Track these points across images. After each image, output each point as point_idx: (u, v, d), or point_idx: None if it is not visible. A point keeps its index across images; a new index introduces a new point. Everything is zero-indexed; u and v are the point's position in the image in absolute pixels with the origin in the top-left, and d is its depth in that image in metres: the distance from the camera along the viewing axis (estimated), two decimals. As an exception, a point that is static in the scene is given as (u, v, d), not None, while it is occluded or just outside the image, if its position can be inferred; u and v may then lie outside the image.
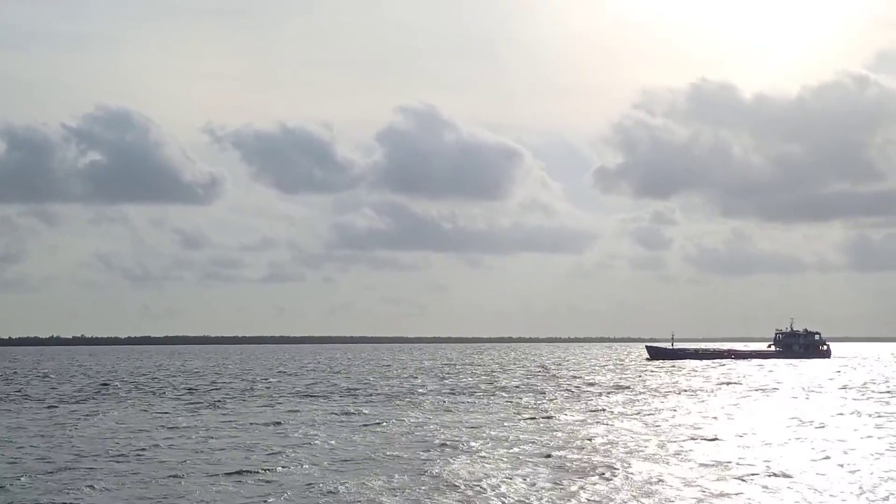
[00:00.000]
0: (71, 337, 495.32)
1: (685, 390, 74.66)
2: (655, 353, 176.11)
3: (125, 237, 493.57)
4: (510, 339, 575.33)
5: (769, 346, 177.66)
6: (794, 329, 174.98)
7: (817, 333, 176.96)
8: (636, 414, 52.46)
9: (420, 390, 74.65)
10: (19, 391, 78.26)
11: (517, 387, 79.29)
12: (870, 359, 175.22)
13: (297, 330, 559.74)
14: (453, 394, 70.13)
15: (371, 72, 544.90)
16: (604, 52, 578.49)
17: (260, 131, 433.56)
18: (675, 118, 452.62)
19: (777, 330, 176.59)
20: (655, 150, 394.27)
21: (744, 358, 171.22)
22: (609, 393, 70.79)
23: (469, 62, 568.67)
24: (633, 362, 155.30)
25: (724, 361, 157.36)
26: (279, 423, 47.51)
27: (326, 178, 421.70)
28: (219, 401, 64.16)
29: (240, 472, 31.19)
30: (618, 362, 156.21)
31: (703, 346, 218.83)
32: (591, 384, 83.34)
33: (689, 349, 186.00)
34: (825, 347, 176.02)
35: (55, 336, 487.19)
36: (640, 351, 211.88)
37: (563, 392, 71.74)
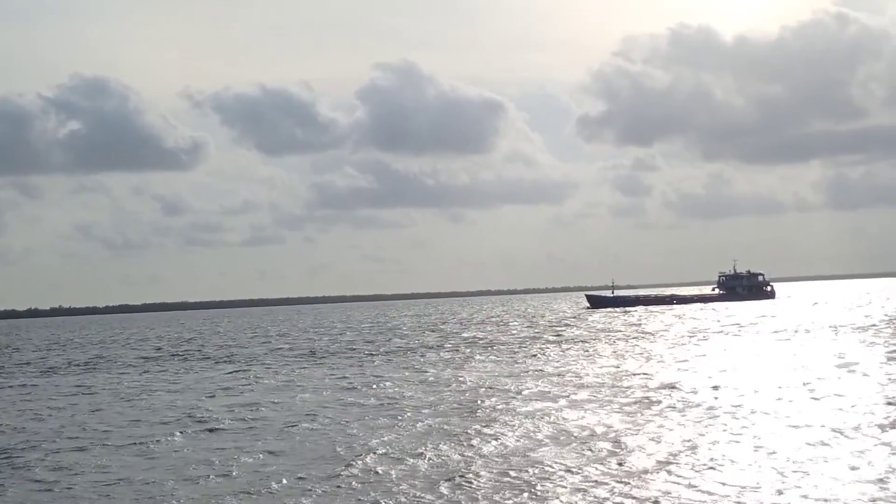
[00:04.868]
0: (49, 308, 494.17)
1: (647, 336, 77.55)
2: (596, 302, 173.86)
3: (105, 206, 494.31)
4: (489, 292, 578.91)
5: (713, 289, 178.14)
6: (738, 271, 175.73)
7: (761, 275, 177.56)
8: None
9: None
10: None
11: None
12: (816, 301, 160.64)
13: (277, 292, 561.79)
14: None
15: (347, 30, 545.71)
16: (580, 1, 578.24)
17: (239, 94, 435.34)
18: (655, 64, 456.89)
19: (720, 273, 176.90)
20: (636, 97, 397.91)
21: (687, 302, 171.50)
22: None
23: (445, 18, 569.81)
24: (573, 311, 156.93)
25: (666, 307, 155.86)
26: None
27: (308, 138, 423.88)
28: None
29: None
30: (558, 312, 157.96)
31: (646, 292, 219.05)
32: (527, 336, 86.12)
33: (630, 296, 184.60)
34: (769, 288, 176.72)
35: (33, 308, 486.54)
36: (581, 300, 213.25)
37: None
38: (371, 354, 70.01)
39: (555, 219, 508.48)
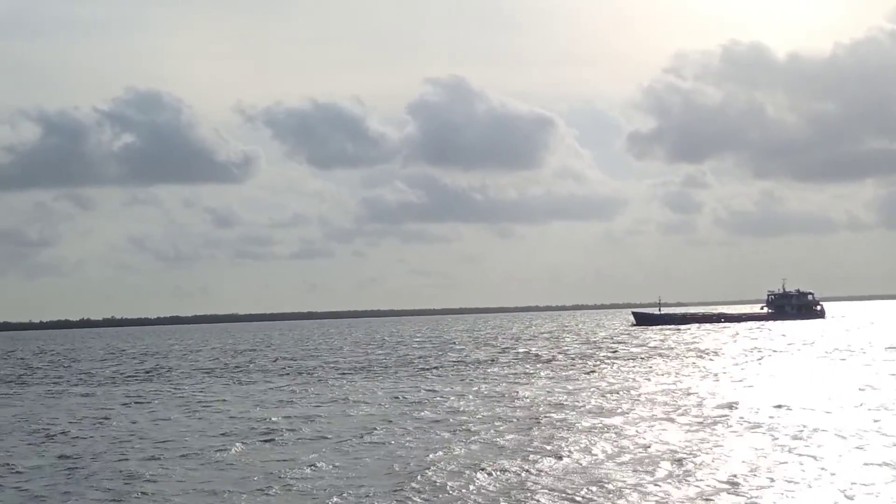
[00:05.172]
0: (101, 319, 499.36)
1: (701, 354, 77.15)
2: (643, 319, 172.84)
3: (157, 219, 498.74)
4: (537, 308, 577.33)
5: (762, 307, 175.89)
6: (787, 290, 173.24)
7: (810, 294, 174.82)
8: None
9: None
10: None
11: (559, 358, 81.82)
12: (870, 321, 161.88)
13: (326, 305, 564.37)
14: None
15: (397, 46, 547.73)
16: (632, 17, 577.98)
17: (291, 108, 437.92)
18: (706, 81, 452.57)
19: (769, 291, 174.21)
20: (687, 114, 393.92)
21: (735, 321, 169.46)
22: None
23: (495, 33, 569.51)
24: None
25: (713, 325, 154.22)
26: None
27: (359, 153, 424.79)
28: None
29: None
30: (608, 329, 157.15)
31: (693, 310, 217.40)
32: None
33: (677, 314, 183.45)
34: (819, 308, 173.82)
35: (86, 318, 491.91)
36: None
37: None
38: (426, 368, 70.27)
39: (604, 235, 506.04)
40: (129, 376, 75.32)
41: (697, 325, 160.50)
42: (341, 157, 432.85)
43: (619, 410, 39.53)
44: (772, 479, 24.45)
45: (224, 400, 51.43)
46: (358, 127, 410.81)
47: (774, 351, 78.67)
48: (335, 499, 24.51)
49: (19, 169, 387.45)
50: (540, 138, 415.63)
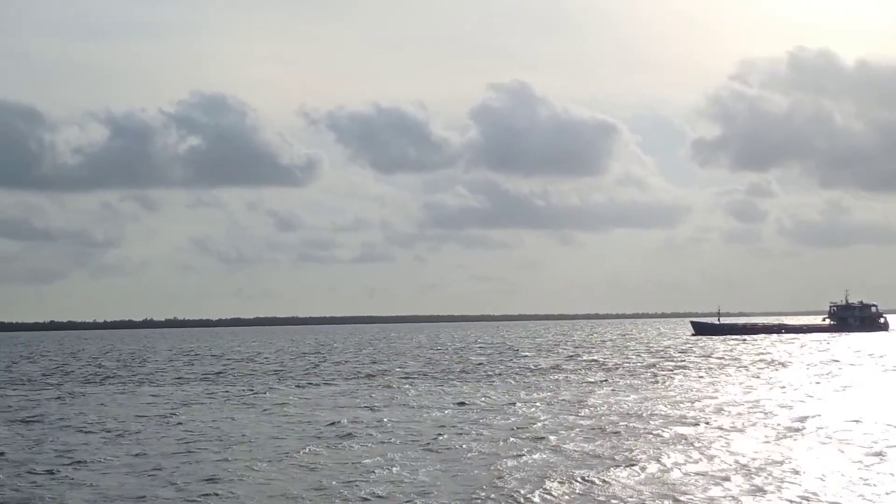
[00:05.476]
0: (164, 320, 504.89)
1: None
2: (701, 329, 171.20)
3: (221, 221, 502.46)
4: (597, 316, 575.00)
5: (823, 319, 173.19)
6: (850, 301, 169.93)
7: (874, 306, 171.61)
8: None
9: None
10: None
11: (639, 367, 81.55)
12: None
13: (386, 309, 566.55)
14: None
15: (461, 50, 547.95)
16: (698, 23, 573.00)
17: (354, 112, 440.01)
18: (773, 88, 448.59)
19: (832, 303, 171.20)
20: (753, 121, 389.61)
21: (796, 332, 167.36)
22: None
23: (559, 39, 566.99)
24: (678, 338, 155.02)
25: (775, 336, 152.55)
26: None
27: (421, 157, 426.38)
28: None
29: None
30: (671, 338, 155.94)
31: (753, 320, 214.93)
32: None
33: (736, 324, 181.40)
34: (883, 320, 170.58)
35: (149, 319, 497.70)
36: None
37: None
38: (491, 375, 70.37)
39: (666, 243, 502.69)
40: (199, 377, 76.21)
41: (756, 335, 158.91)
42: (404, 162, 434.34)
43: (690, 420, 39.36)
44: (846, 495, 24.27)
45: (291, 403, 51.89)
46: (421, 131, 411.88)
47: (845, 363, 77.82)
48: (419, 502, 24.75)
49: (87, 170, 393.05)
50: (603, 144, 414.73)
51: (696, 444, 32.73)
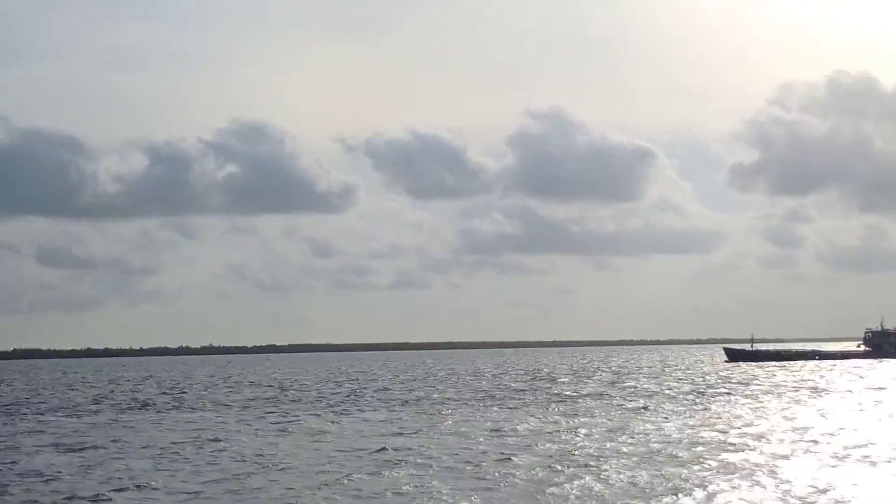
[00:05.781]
0: (199, 346, 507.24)
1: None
2: (735, 356, 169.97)
3: (257, 247, 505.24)
4: (632, 342, 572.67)
5: (858, 345, 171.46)
6: (886, 328, 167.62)
7: None
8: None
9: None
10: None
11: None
12: None
13: (422, 336, 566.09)
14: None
15: (497, 77, 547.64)
16: (736, 48, 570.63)
17: (391, 139, 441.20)
18: (812, 112, 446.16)
19: (867, 329, 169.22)
20: (792, 146, 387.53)
21: (830, 359, 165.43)
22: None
23: (595, 64, 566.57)
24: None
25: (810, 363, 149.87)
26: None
27: (458, 184, 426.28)
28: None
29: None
30: (708, 364, 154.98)
31: (787, 346, 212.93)
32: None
33: (770, 351, 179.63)
34: None
35: (184, 346, 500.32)
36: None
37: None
38: (534, 401, 70.36)
39: (702, 269, 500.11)
40: (242, 403, 76.65)
41: (790, 362, 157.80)
42: (440, 189, 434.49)
43: (734, 448, 39.34)
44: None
45: (331, 430, 52.13)
46: (457, 158, 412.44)
47: (890, 390, 77.35)
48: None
49: (127, 198, 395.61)
50: (639, 170, 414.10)
51: (742, 472, 32.74)
